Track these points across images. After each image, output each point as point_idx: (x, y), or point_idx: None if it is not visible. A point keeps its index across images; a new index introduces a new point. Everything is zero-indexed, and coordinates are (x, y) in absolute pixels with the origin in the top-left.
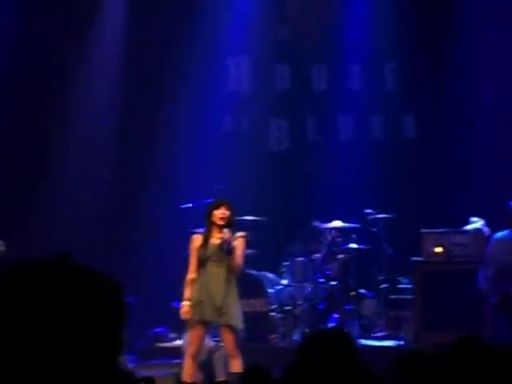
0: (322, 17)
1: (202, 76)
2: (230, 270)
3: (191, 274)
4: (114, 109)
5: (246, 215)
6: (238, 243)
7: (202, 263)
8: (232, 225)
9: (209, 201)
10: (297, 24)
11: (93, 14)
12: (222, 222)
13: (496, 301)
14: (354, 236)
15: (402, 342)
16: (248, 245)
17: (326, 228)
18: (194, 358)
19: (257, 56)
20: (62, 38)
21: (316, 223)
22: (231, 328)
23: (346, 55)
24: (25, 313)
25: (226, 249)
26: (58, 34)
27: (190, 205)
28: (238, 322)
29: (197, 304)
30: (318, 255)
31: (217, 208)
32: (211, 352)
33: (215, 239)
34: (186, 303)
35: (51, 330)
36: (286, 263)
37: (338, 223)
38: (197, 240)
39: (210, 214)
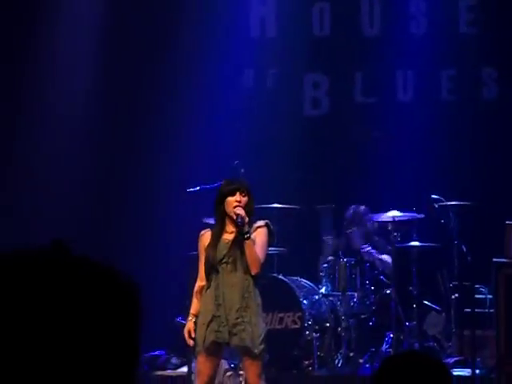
0: None
1: (213, 17)
2: (248, 269)
3: (200, 282)
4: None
5: (271, 203)
6: (258, 235)
7: (212, 267)
8: (250, 215)
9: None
10: None
11: None
12: (236, 215)
13: None
14: (417, 230)
15: (479, 371)
16: (272, 239)
17: (379, 220)
18: None
19: None
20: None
21: (363, 210)
22: (250, 351)
23: None
24: (15, 323)
25: (241, 222)
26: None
27: (198, 188)
28: (257, 342)
29: (211, 321)
30: (371, 253)
31: (231, 193)
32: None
33: (228, 235)
34: (191, 319)
35: (52, 343)
36: (324, 265)
37: (394, 213)
38: (205, 238)
39: (221, 202)
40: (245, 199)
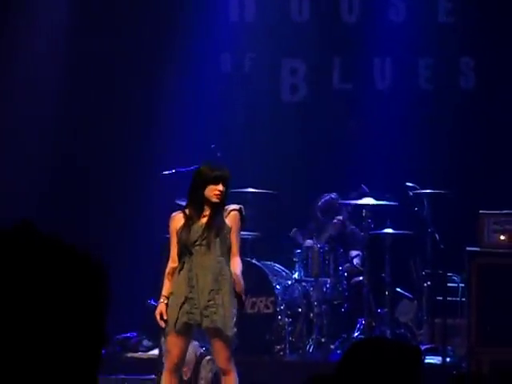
0: None
1: (191, 1)
2: (222, 252)
3: (172, 263)
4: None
5: (246, 187)
6: (233, 222)
7: (186, 249)
8: (225, 200)
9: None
10: None
11: None
12: (218, 201)
13: None
14: (390, 217)
15: (450, 359)
16: (245, 223)
17: (352, 205)
18: (174, 372)
19: None
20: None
21: (334, 198)
22: (221, 334)
23: None
24: None
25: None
26: None
27: (174, 171)
28: (229, 325)
29: (183, 302)
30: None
31: (215, 181)
32: (197, 366)
33: (202, 218)
34: (162, 301)
35: (17, 322)
36: (298, 251)
37: (368, 200)
38: (177, 220)
39: (201, 186)
40: (224, 189)
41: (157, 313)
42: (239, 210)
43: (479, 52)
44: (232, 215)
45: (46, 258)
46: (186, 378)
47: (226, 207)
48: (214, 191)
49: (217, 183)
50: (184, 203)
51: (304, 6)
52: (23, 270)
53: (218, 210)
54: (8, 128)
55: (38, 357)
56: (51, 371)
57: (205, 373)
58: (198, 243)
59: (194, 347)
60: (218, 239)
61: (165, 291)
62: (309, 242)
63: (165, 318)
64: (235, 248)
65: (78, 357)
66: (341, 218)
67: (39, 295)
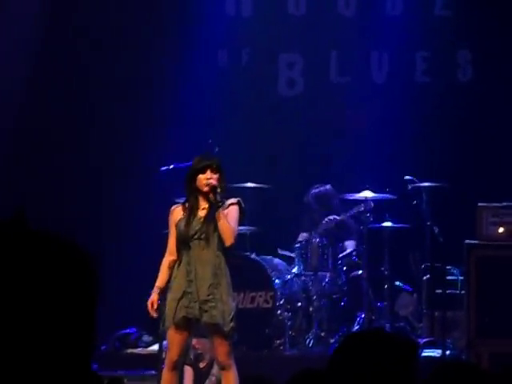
0: None
1: None
2: (220, 247)
3: (169, 256)
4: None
5: (244, 182)
6: (230, 211)
7: (184, 243)
8: (223, 191)
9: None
10: None
11: None
12: (208, 189)
13: None
14: (389, 211)
15: (449, 352)
16: (243, 216)
17: (351, 199)
18: (174, 369)
19: None
20: None
21: (328, 189)
22: (220, 329)
23: None
24: None
25: (213, 190)
26: None
27: (173, 166)
28: (228, 320)
29: (181, 296)
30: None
31: (201, 171)
32: (211, 360)
33: (201, 211)
34: (155, 292)
35: (6, 314)
36: (297, 245)
37: (367, 193)
38: (176, 213)
39: (192, 179)
40: (216, 176)
41: (149, 303)
42: (238, 203)
43: (476, 45)
44: (231, 208)
45: (36, 251)
46: (202, 366)
47: (226, 201)
48: (202, 180)
49: (204, 172)
50: (180, 201)
51: (301, 0)
52: (13, 264)
53: (215, 203)
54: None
55: (30, 349)
56: (42, 364)
57: (216, 370)
58: (196, 237)
59: (195, 342)
60: (216, 233)
61: (159, 282)
62: (303, 236)
63: (155, 307)
64: (232, 222)
65: (69, 349)
66: (332, 218)
67: (29, 289)
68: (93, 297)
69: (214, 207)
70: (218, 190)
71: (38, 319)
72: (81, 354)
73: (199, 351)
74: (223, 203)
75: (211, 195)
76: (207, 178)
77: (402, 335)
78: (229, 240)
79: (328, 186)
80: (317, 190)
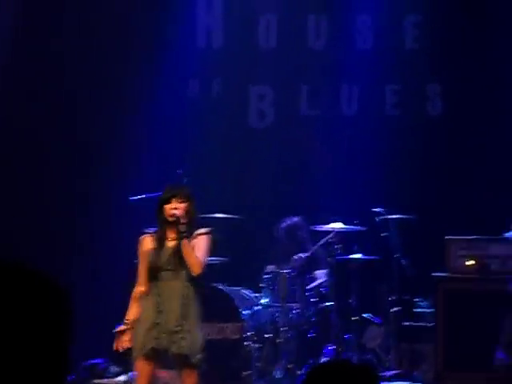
0: None
1: (159, 27)
2: (189, 277)
3: (140, 287)
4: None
5: (214, 212)
6: (199, 240)
7: (154, 273)
8: (192, 221)
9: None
10: None
11: None
12: (173, 219)
13: None
14: (358, 243)
15: None
16: (214, 247)
17: (321, 231)
18: None
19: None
20: None
21: (297, 221)
22: (188, 360)
23: (351, 3)
24: None
25: (176, 221)
26: None
27: (144, 196)
28: (196, 351)
29: (151, 328)
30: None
31: (167, 201)
32: None
33: (169, 242)
34: (126, 325)
35: None
36: (266, 276)
37: (336, 225)
38: (146, 242)
39: (160, 210)
40: (182, 205)
41: (120, 338)
42: (208, 233)
43: (446, 79)
44: (200, 237)
45: (6, 282)
46: None
47: (196, 231)
48: (168, 211)
49: (169, 202)
50: (150, 231)
51: (271, 33)
52: None
53: (179, 233)
54: None
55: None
56: None
57: None
58: (165, 268)
59: (162, 373)
60: (185, 264)
61: (129, 315)
62: (270, 268)
63: (123, 345)
64: (200, 252)
65: (41, 381)
66: (303, 255)
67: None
68: (64, 330)
69: (179, 237)
70: (182, 221)
71: (7, 352)
72: None
73: (167, 382)
74: (188, 233)
75: (176, 226)
76: (171, 208)
77: (366, 367)
78: (195, 270)
79: (296, 218)
80: (286, 224)
